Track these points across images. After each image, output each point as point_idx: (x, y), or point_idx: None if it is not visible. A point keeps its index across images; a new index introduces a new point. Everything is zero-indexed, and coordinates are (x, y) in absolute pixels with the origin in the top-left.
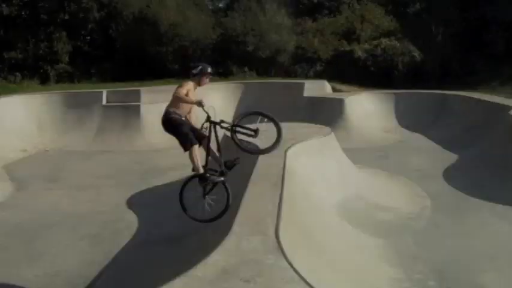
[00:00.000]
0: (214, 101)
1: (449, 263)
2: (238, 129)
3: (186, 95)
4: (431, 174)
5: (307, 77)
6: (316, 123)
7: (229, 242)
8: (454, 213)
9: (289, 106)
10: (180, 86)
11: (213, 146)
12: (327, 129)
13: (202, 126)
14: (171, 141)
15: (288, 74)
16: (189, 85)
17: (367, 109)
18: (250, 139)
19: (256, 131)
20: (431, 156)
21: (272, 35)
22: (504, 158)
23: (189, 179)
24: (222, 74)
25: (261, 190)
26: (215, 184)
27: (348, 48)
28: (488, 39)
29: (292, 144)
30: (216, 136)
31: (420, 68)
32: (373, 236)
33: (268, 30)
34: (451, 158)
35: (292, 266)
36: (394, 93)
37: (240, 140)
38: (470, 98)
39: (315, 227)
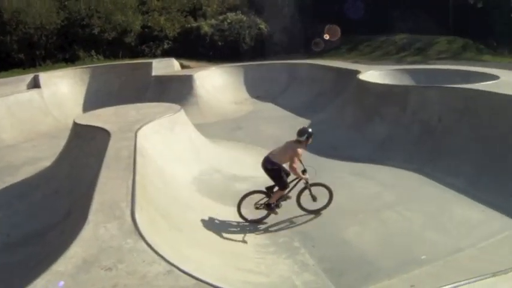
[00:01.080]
0: (62, 87)
1: (312, 223)
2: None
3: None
4: (285, 140)
5: (155, 56)
6: (166, 101)
7: (87, 232)
8: (311, 176)
9: (138, 87)
10: (298, 151)
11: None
12: (176, 106)
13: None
14: (22, 134)
15: (136, 54)
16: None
17: (217, 83)
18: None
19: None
20: (284, 123)
21: (117, 16)
22: (354, 119)
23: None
24: (68, 59)
25: (114, 174)
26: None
27: (194, 24)
28: (335, 9)
29: (142, 125)
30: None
31: (268, 39)
32: (234, 206)
33: (113, 11)
34: (303, 123)
35: (151, 247)
36: (243, 66)
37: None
38: (318, 65)
39: (173, 205)
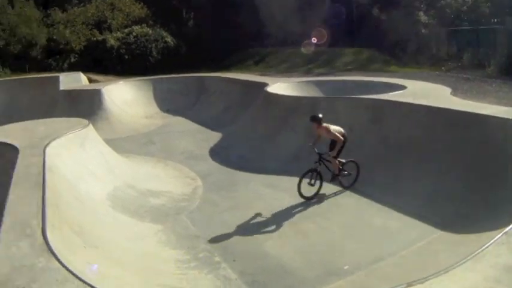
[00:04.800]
0: None
1: (230, 237)
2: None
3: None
4: (198, 154)
5: (62, 70)
6: (75, 116)
7: None
8: (226, 189)
9: (46, 102)
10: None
11: None
12: (84, 121)
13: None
14: None
15: (43, 68)
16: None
17: (126, 97)
18: None
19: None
20: (196, 137)
21: (22, 29)
22: (265, 131)
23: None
24: None
25: (24, 192)
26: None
27: (100, 37)
28: (238, 22)
29: (50, 141)
30: None
31: (175, 52)
32: (151, 222)
33: (17, 23)
34: (214, 137)
35: (64, 266)
36: (151, 79)
37: None
38: (226, 78)
39: (88, 222)
